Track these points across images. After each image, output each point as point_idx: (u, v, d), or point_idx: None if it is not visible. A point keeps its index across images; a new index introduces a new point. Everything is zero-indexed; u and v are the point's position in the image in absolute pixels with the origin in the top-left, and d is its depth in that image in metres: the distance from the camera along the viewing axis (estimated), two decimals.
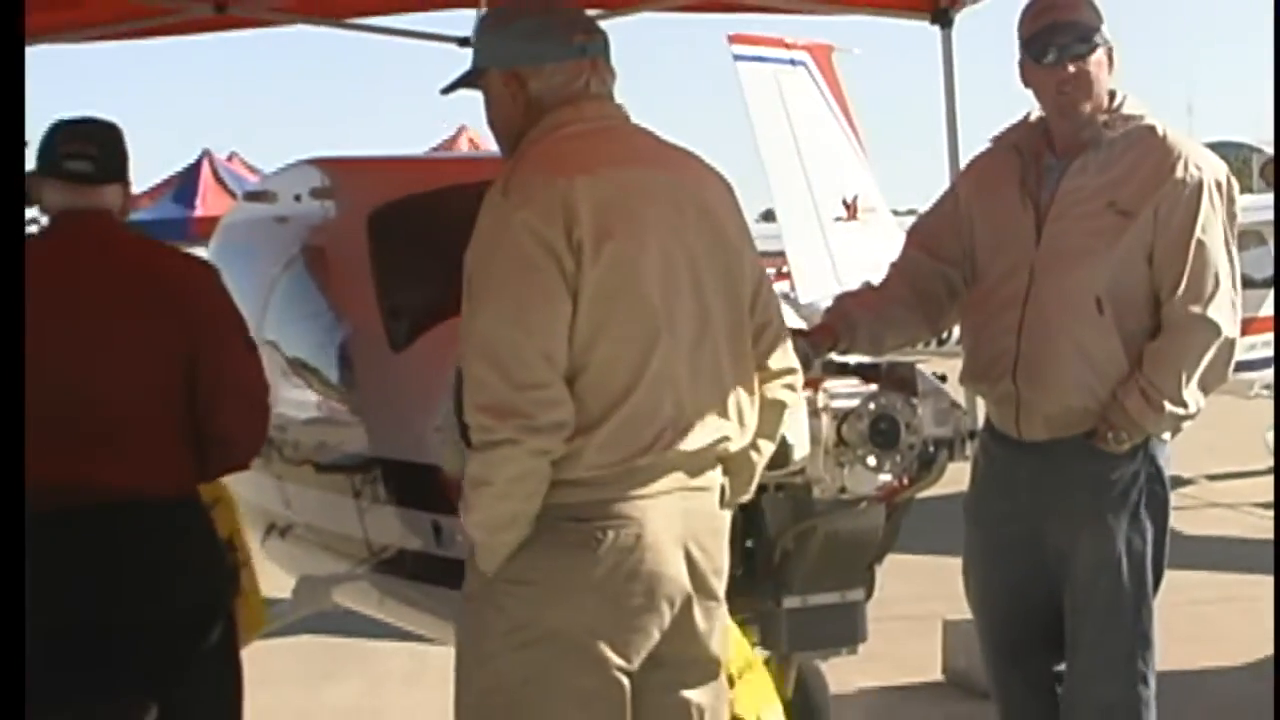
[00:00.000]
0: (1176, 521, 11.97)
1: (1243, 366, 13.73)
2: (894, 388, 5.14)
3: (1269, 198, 24.16)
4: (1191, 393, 5.05)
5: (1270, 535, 12.27)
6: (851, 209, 19.04)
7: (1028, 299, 5.13)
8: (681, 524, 4.12)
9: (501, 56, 4.28)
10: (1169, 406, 5.01)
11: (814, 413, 4.98)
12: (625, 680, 4.13)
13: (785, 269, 19.49)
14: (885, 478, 5.11)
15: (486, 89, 4.33)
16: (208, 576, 5.10)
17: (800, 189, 18.72)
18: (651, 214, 4.10)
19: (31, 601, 4.79)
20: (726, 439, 4.20)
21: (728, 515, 4.33)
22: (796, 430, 4.89)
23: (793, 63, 19.07)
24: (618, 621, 4.08)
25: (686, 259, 4.13)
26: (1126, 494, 5.14)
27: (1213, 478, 14.80)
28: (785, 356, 4.40)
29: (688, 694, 4.28)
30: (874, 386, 5.16)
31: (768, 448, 4.41)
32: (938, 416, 5.12)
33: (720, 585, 4.28)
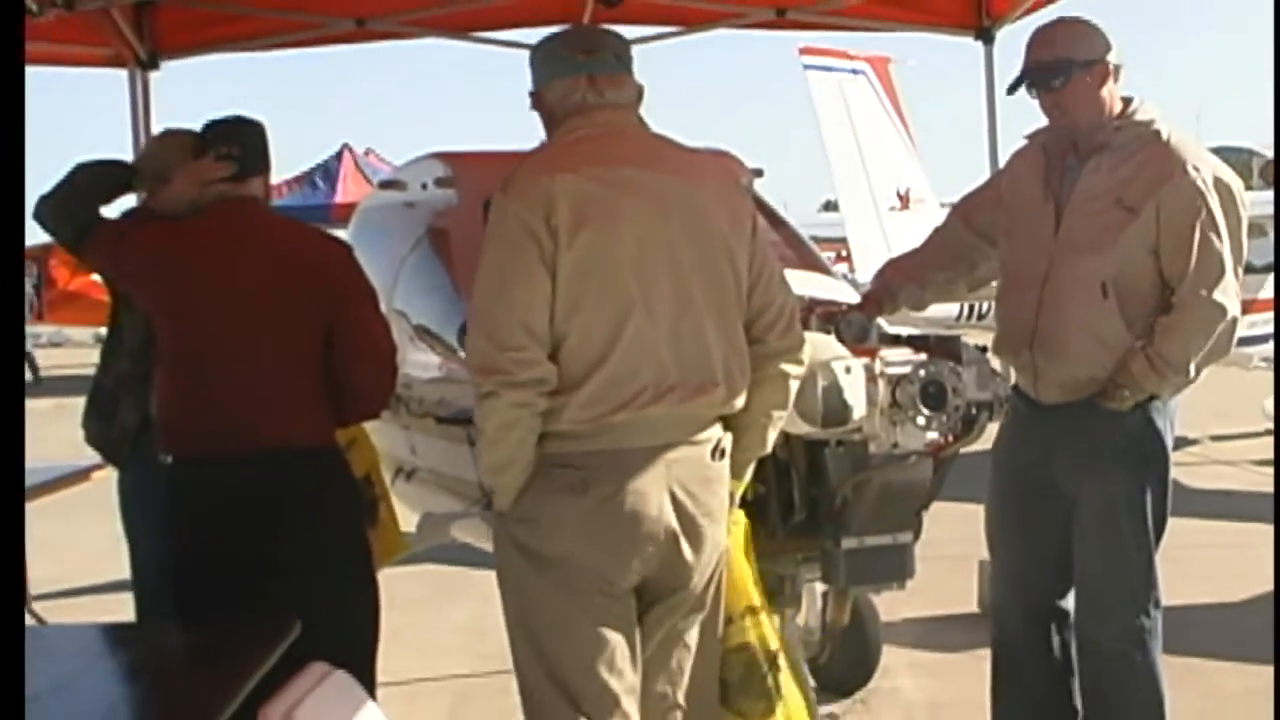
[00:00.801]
0: (1185, 476, 11.96)
1: (1244, 341, 13.69)
2: (942, 357, 5.11)
3: (1267, 194, 23.97)
4: (1194, 363, 5.04)
5: (1266, 489, 12.29)
6: (905, 200, 18.95)
7: (1045, 282, 5.15)
8: (666, 472, 4.16)
9: (533, 78, 4.44)
10: (1170, 374, 5.01)
11: (871, 378, 4.95)
12: (628, 603, 4.24)
13: (846, 253, 19.46)
14: (933, 435, 5.08)
15: None
16: (346, 512, 5.13)
17: (860, 182, 18.67)
18: (631, 207, 4.14)
19: (194, 531, 4.85)
20: (711, 403, 4.22)
21: (723, 466, 4.31)
22: (855, 394, 4.88)
23: (855, 72, 18.98)
24: (606, 553, 4.16)
25: (666, 247, 4.16)
26: (1127, 450, 5.12)
27: (1216, 438, 14.75)
28: (788, 333, 4.38)
29: (678, 622, 4.33)
30: (924, 355, 5.13)
31: (779, 415, 4.44)
32: (979, 382, 5.08)
33: (712, 525, 4.28)
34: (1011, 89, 5.24)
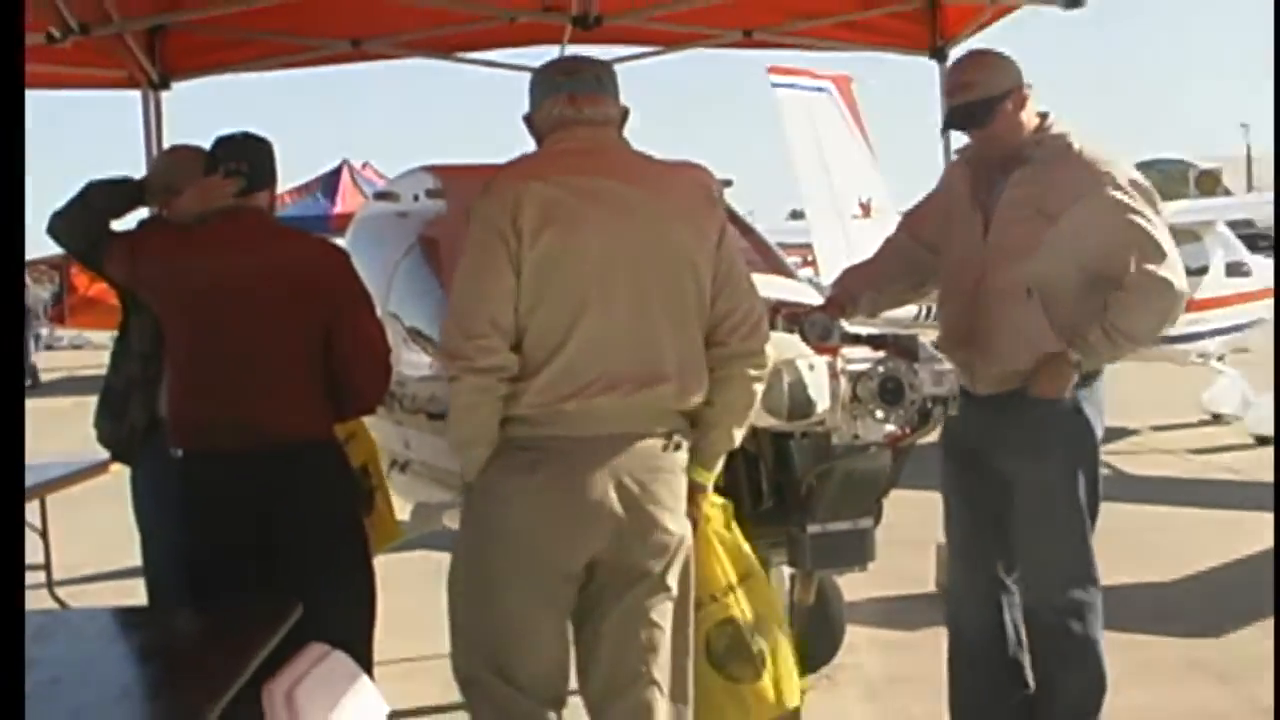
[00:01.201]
0: (1126, 464, 11.97)
1: (1181, 339, 13.94)
2: (899, 355, 5.13)
3: (1201, 202, 24.12)
4: (1144, 332, 5.18)
5: (1202, 476, 12.39)
6: (866, 209, 18.94)
7: (977, 286, 5.24)
8: (613, 459, 4.19)
9: (529, 105, 4.51)
10: (1123, 341, 5.11)
11: (833, 375, 4.97)
12: (569, 584, 4.26)
13: (811, 258, 19.49)
14: (891, 428, 5.10)
15: None
16: (344, 502, 5.15)
17: (824, 192, 18.67)
18: (596, 214, 4.20)
19: (203, 521, 4.86)
20: (661, 396, 4.24)
21: (676, 458, 4.31)
22: (818, 389, 4.90)
23: (820, 90, 18.97)
24: (554, 531, 4.19)
25: (626, 253, 4.21)
26: (1059, 438, 5.21)
27: (1155, 429, 14.72)
28: (750, 338, 4.37)
29: (642, 601, 4.30)
30: (882, 354, 5.15)
31: (743, 414, 4.44)
32: (934, 378, 5.10)
33: (661, 513, 4.26)
34: (944, 130, 5.40)
